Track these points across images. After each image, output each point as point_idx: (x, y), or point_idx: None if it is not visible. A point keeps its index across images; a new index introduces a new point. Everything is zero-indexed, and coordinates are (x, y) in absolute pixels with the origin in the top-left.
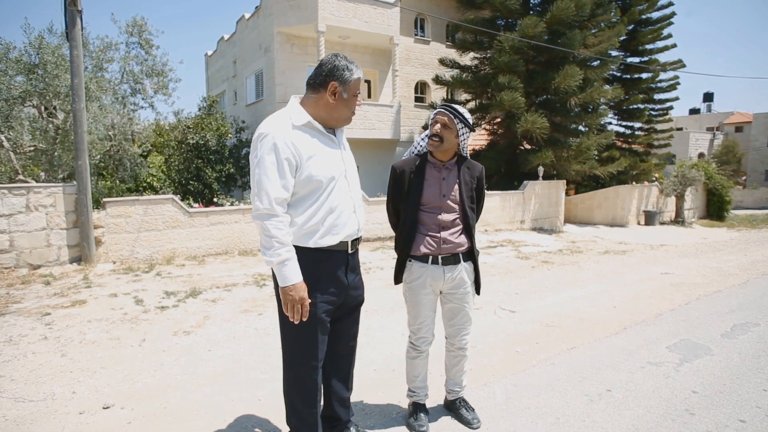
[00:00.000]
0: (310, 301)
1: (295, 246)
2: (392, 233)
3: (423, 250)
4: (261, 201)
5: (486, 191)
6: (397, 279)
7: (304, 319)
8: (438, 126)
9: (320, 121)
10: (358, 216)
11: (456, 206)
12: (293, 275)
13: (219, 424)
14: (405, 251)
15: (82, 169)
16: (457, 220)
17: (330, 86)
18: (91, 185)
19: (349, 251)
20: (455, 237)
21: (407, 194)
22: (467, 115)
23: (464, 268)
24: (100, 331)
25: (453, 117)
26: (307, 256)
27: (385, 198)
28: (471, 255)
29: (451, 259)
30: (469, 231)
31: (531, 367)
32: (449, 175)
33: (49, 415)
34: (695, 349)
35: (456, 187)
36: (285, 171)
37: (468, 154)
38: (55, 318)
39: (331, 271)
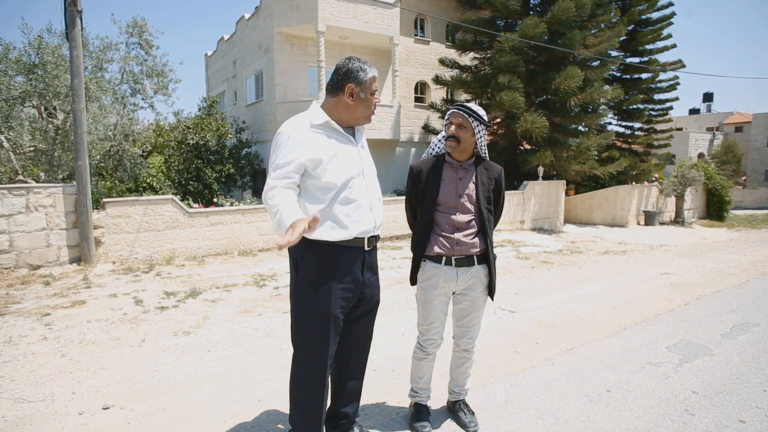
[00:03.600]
0: (306, 224)
1: (311, 240)
2: (393, 233)
3: (437, 250)
4: (267, 185)
5: None
6: (413, 279)
7: (292, 238)
8: (453, 127)
9: (341, 123)
10: (374, 213)
11: (472, 207)
12: (290, 216)
13: (218, 424)
14: (420, 251)
15: (82, 170)
16: (473, 222)
17: (347, 88)
18: (90, 185)
19: (366, 248)
20: (469, 238)
21: (423, 194)
22: (482, 112)
23: (478, 271)
24: (100, 332)
25: (468, 116)
26: (323, 250)
27: (385, 198)
28: (486, 257)
29: (465, 261)
30: (484, 233)
31: (531, 368)
32: (466, 176)
33: (48, 415)
34: (695, 349)
35: (473, 187)
36: (297, 164)
37: (486, 153)
38: (54, 318)
39: (347, 267)
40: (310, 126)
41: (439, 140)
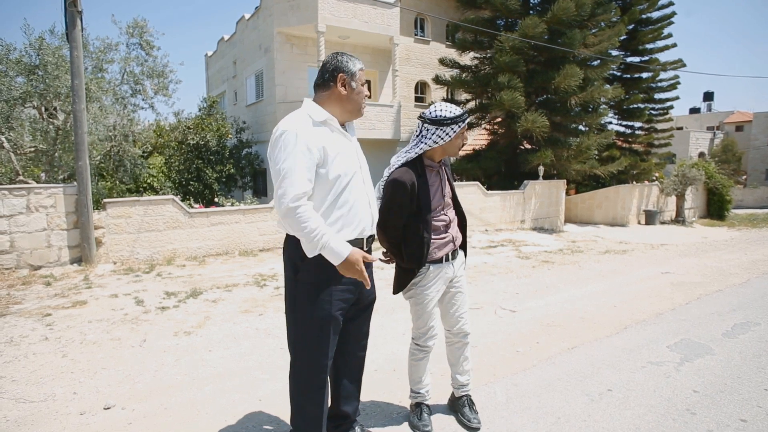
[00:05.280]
0: (370, 260)
1: None
2: None
3: (439, 253)
4: (286, 196)
5: (486, 191)
6: (399, 290)
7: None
8: (466, 133)
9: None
10: (372, 210)
11: (452, 202)
12: (343, 248)
13: (219, 424)
14: (422, 261)
15: (83, 170)
16: (455, 215)
17: (339, 78)
18: (91, 186)
19: (364, 248)
20: (458, 231)
21: (419, 206)
22: None
23: (461, 255)
24: (101, 332)
25: None
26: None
27: None
28: (463, 242)
29: (456, 252)
30: (462, 221)
31: (532, 367)
32: (443, 174)
33: (49, 415)
34: (696, 348)
35: (449, 183)
36: (309, 166)
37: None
38: (55, 319)
39: None
40: (313, 123)
41: (415, 144)
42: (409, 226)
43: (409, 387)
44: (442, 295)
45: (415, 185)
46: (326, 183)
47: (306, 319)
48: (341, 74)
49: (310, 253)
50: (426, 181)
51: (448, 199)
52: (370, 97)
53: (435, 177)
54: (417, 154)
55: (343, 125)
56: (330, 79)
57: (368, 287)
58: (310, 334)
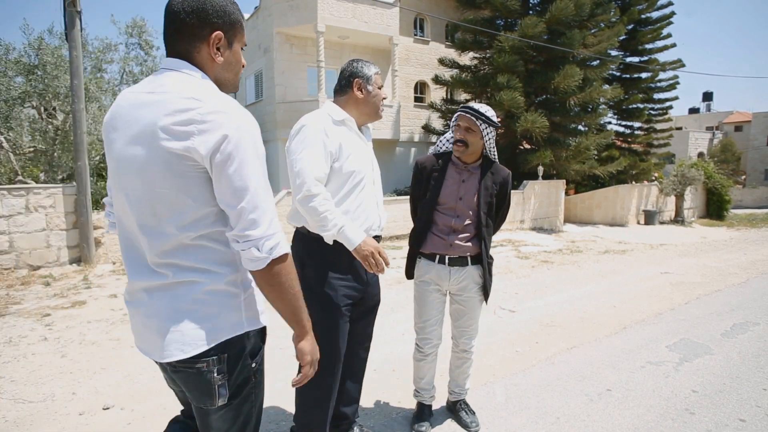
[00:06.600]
0: (381, 251)
1: (319, 236)
2: (393, 233)
3: (430, 249)
4: (305, 183)
5: None
6: (409, 274)
7: (385, 269)
8: (461, 131)
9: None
10: (379, 211)
11: (470, 211)
12: (356, 235)
13: None
14: (416, 247)
15: (82, 170)
16: (470, 226)
17: (355, 83)
18: (90, 186)
19: None
20: (464, 242)
21: (425, 191)
22: (490, 113)
23: (471, 272)
24: (100, 332)
25: (475, 119)
26: (330, 248)
27: (385, 198)
28: (480, 259)
29: (458, 261)
30: (480, 237)
31: (531, 367)
32: (470, 179)
33: (48, 416)
34: (695, 348)
35: (474, 191)
36: (325, 156)
37: (496, 155)
38: (54, 319)
39: (352, 265)
40: (333, 121)
41: (447, 140)
42: (417, 208)
43: (413, 385)
44: (450, 304)
45: (427, 170)
46: (339, 177)
47: (314, 313)
48: (357, 79)
49: (327, 239)
50: (443, 172)
51: (465, 207)
52: (386, 98)
53: (455, 175)
54: (444, 147)
55: (359, 128)
56: (347, 84)
57: (380, 272)
58: (322, 328)
